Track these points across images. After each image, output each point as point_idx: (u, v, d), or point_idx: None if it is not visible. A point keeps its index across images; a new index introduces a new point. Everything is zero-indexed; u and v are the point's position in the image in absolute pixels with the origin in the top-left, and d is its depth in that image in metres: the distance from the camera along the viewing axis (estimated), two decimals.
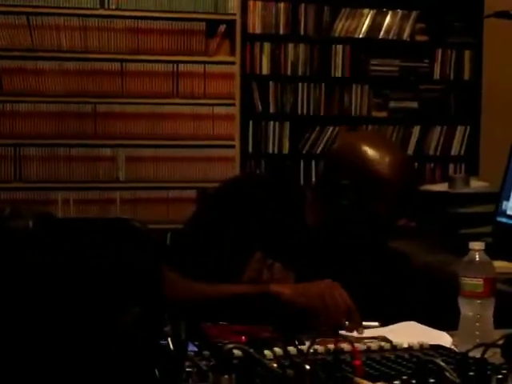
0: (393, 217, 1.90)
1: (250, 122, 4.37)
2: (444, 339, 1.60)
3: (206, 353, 1.34)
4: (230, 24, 4.23)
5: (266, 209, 1.87)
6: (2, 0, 3.93)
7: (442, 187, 3.71)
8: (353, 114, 4.50)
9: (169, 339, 1.15)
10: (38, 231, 1.08)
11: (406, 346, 1.45)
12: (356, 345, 1.30)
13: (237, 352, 1.19)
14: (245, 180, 2.03)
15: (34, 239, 1.08)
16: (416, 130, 4.58)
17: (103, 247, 1.08)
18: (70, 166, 4.03)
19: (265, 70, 4.38)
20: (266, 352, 1.33)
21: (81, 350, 1.06)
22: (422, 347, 1.44)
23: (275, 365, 1.16)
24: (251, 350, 1.08)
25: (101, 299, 1.06)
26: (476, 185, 3.41)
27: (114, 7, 4.07)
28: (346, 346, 1.34)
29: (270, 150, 4.40)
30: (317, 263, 1.86)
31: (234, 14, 4.22)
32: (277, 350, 1.33)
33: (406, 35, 4.53)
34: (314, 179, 4.47)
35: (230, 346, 1.09)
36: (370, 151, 1.84)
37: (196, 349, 1.39)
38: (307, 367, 1.03)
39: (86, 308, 1.05)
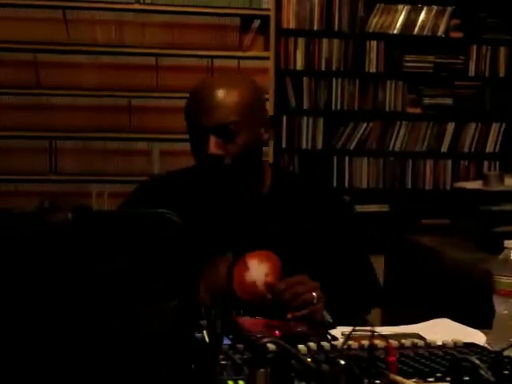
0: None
1: (284, 118, 4.37)
2: (478, 337, 1.59)
3: (240, 346, 1.35)
4: (265, 19, 4.22)
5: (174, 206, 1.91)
6: None
7: (476, 185, 3.69)
8: (387, 109, 4.48)
9: (204, 332, 1.16)
10: (77, 224, 1.09)
11: (439, 343, 1.45)
12: (390, 341, 1.30)
13: (271, 346, 1.19)
14: (144, 187, 2.08)
15: (73, 232, 1.09)
16: (450, 127, 4.55)
17: (141, 240, 1.09)
18: (104, 159, 4.05)
19: (299, 66, 4.38)
20: (300, 347, 1.34)
21: (118, 343, 1.07)
22: (455, 345, 1.44)
23: (309, 359, 1.17)
24: (286, 345, 1.09)
25: (138, 292, 1.08)
26: (510, 182, 3.39)
27: (149, 1, 4.09)
28: (379, 343, 1.34)
29: (304, 146, 4.40)
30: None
31: (269, 10, 4.22)
32: (311, 344, 1.34)
33: (440, 31, 4.50)
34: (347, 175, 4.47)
35: (266, 340, 1.10)
36: None
37: (229, 342, 1.40)
38: (342, 362, 1.04)
39: (125, 301, 1.07)
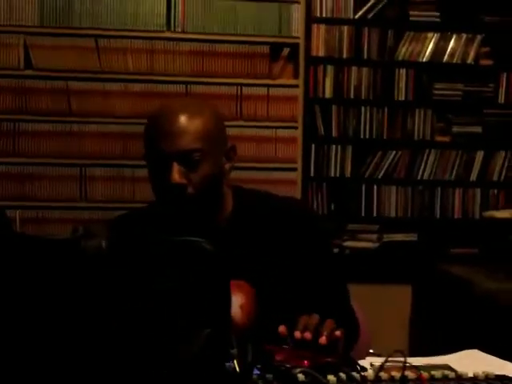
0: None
1: (313, 146, 4.37)
2: (508, 369, 1.58)
3: (269, 376, 1.35)
4: (294, 47, 4.25)
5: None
6: (71, 23, 4.03)
7: (505, 214, 3.67)
8: (415, 138, 4.47)
9: (235, 361, 1.16)
10: (110, 251, 1.10)
11: (470, 375, 1.44)
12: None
13: (300, 376, 1.19)
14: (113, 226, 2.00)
15: (106, 259, 1.10)
16: (479, 155, 4.53)
17: (174, 268, 1.10)
18: (134, 186, 4.09)
19: (328, 94, 4.39)
20: (329, 377, 1.33)
21: (150, 369, 1.08)
22: (487, 377, 1.43)
23: None
24: (318, 375, 1.09)
25: (171, 320, 1.08)
26: None
27: (179, 30, 4.14)
28: (409, 374, 1.34)
29: (332, 174, 4.39)
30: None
31: (298, 38, 4.25)
32: (341, 375, 1.34)
33: (470, 59, 4.49)
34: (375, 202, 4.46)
35: (298, 369, 1.10)
36: None
37: (258, 372, 1.40)
38: None
39: (158, 328, 1.07)
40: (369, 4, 4.40)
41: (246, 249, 1.88)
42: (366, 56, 4.43)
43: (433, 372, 1.43)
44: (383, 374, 1.35)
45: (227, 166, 1.90)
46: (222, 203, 1.92)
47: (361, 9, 4.40)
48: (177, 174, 1.77)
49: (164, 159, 1.79)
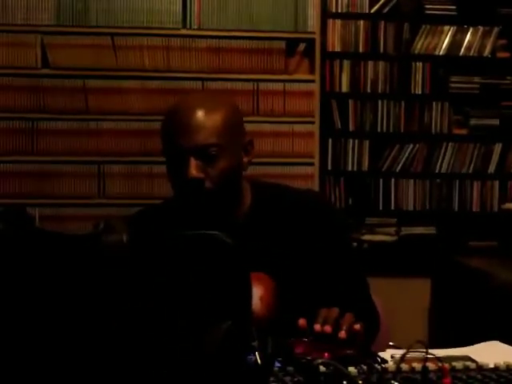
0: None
1: (330, 140, 4.37)
2: None
3: (290, 369, 1.36)
4: (310, 42, 4.25)
5: None
6: (88, 22, 4.05)
7: None
8: (433, 131, 4.46)
9: (256, 354, 1.17)
10: (131, 245, 1.11)
11: (491, 366, 1.44)
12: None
13: (322, 368, 1.20)
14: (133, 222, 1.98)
15: (127, 253, 1.11)
16: (497, 148, 4.51)
17: (194, 261, 1.11)
18: (151, 183, 4.10)
19: (344, 88, 4.39)
20: (350, 369, 1.34)
21: (170, 364, 1.08)
22: (508, 368, 1.43)
23: (360, 382, 1.17)
24: (341, 366, 1.09)
25: (191, 314, 1.09)
26: None
27: (195, 27, 4.14)
28: (430, 365, 1.34)
29: (350, 168, 4.39)
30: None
31: (314, 33, 4.25)
32: (362, 366, 1.34)
33: (487, 52, 4.47)
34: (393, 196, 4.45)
35: (320, 361, 1.10)
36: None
37: (279, 364, 1.40)
38: None
39: (178, 323, 1.08)
40: None
41: (265, 242, 1.88)
42: (382, 50, 4.42)
43: (454, 363, 1.43)
44: (404, 366, 1.36)
45: (245, 159, 1.90)
46: (241, 197, 1.92)
47: (376, 3, 4.39)
48: (194, 169, 1.78)
49: (181, 154, 1.79)
